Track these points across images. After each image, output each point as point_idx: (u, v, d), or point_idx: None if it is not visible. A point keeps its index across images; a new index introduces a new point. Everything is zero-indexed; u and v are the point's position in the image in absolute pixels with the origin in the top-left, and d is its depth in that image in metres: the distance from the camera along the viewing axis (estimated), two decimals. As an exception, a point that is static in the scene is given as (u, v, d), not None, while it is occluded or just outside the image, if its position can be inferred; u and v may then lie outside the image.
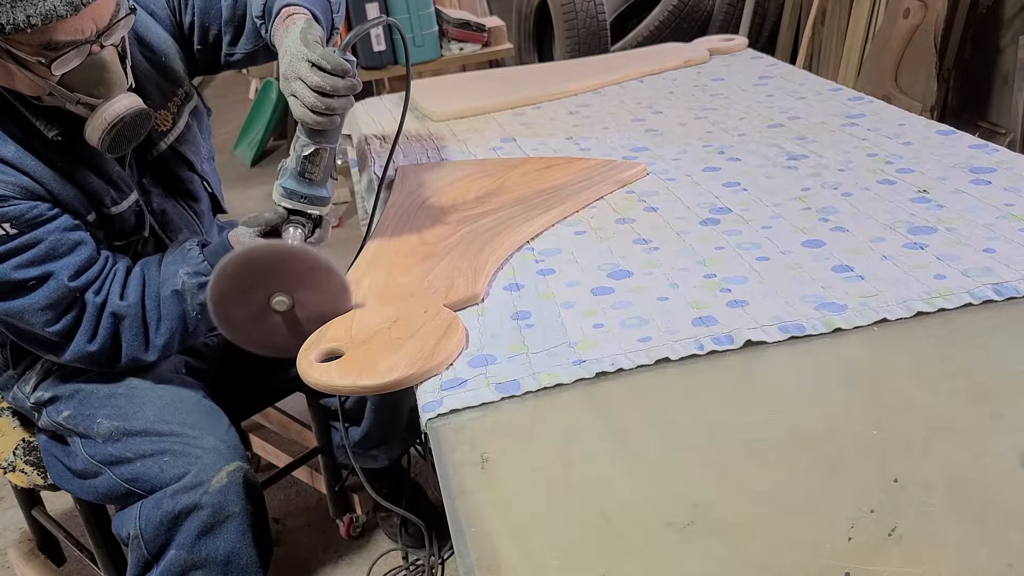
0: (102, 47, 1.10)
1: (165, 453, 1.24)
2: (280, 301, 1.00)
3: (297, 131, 1.12)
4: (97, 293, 1.18)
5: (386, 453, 1.67)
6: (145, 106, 1.15)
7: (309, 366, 0.93)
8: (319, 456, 1.68)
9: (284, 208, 1.13)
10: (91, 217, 1.22)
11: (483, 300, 1.04)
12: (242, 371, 1.50)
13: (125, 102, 1.13)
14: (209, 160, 1.46)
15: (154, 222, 1.32)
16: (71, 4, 1.02)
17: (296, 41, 1.06)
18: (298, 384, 1.52)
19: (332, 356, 0.95)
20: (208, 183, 1.44)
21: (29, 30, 1.01)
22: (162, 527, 1.24)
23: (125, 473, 1.26)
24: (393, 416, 1.60)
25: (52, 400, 1.33)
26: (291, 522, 1.91)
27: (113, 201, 1.24)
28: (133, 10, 1.13)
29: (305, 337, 0.99)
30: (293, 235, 1.12)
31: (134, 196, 1.27)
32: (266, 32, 1.25)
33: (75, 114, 1.14)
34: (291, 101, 1.08)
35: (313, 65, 1.03)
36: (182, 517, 1.23)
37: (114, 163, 1.24)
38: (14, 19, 1.00)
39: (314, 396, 1.59)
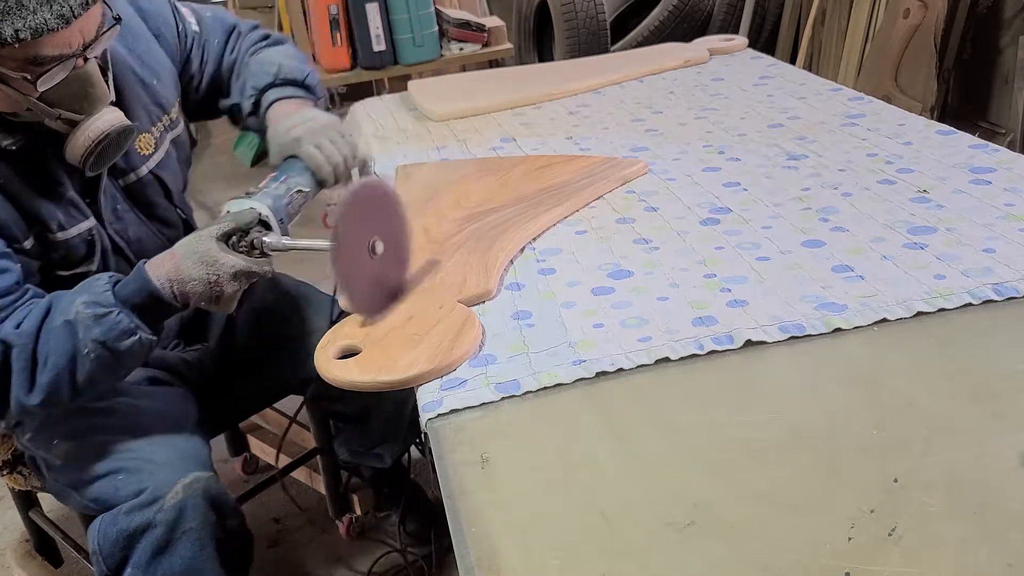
0: (85, 60, 1.05)
1: (119, 472, 1.19)
2: (378, 244, 1.00)
3: (289, 168, 1.18)
4: None
5: (389, 452, 1.66)
6: (129, 122, 1.12)
7: (328, 363, 0.93)
8: (318, 457, 1.68)
9: (259, 216, 1.10)
10: (28, 243, 1.12)
11: (495, 296, 1.04)
12: (231, 377, 1.46)
13: (109, 117, 1.09)
14: (184, 190, 1.39)
15: (130, 252, 1.24)
16: (62, 17, 0.98)
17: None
18: (294, 386, 1.52)
19: (349, 353, 0.95)
20: (183, 211, 1.36)
21: (17, 45, 0.96)
22: (118, 545, 1.18)
23: (87, 494, 1.21)
24: (397, 414, 1.59)
25: (19, 422, 1.26)
26: (291, 522, 1.90)
27: (60, 226, 1.14)
28: (118, 20, 1.09)
29: (365, 300, 1.00)
30: (259, 239, 1.09)
31: (88, 223, 1.18)
32: (255, 120, 1.32)
33: (43, 126, 1.08)
34: (314, 152, 1.17)
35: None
36: (137, 535, 1.17)
37: (69, 185, 1.15)
38: (1, 34, 0.95)
39: (312, 397, 1.59)
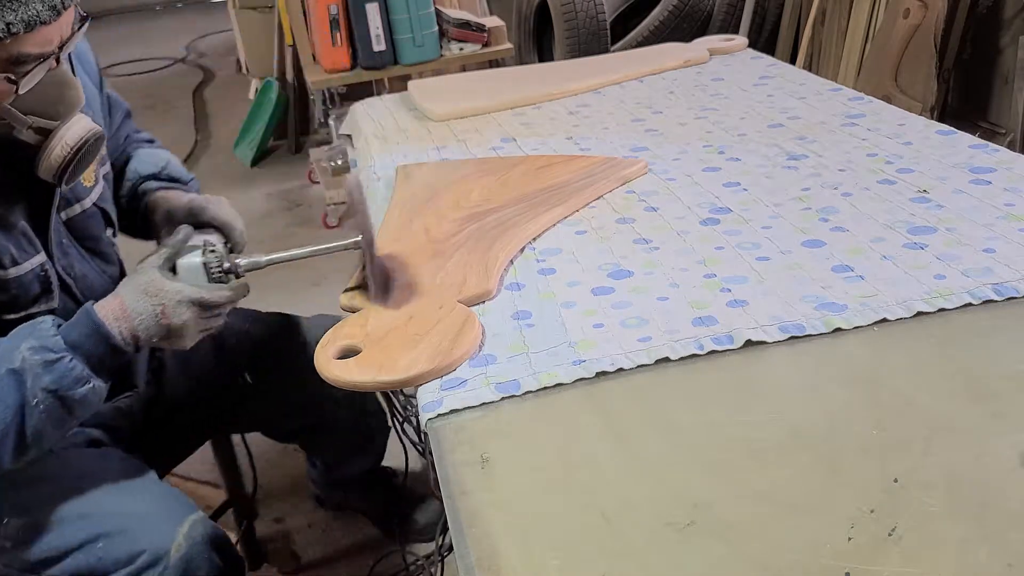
0: (58, 61, 0.98)
1: (98, 539, 1.07)
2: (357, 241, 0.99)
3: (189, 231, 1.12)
4: None
5: (361, 458, 1.65)
6: (102, 128, 1.05)
7: (327, 363, 0.93)
8: (231, 510, 1.65)
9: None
10: None
11: (495, 296, 1.04)
12: (164, 421, 1.38)
13: (83, 123, 1.03)
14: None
15: (76, 289, 1.14)
16: (54, 8, 0.92)
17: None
18: (232, 424, 1.50)
19: (349, 353, 0.95)
20: (117, 249, 1.27)
21: (8, 39, 0.90)
22: None
23: (60, 574, 1.07)
24: (355, 425, 1.58)
25: None
26: (291, 522, 1.91)
27: (13, 260, 1.04)
28: (85, 18, 1.02)
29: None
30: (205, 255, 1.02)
31: (39, 258, 1.07)
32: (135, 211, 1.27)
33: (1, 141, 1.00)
34: (225, 211, 1.18)
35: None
36: None
37: (20, 214, 1.06)
38: (7, 21, 0.89)
39: (221, 441, 1.54)
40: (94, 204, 1.19)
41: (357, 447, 1.65)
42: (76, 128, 1.02)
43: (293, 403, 1.48)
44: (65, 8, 0.95)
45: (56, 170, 1.02)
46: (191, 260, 1.01)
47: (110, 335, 0.98)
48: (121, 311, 0.99)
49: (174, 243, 1.05)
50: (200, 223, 1.20)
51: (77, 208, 1.15)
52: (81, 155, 1.03)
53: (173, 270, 1.01)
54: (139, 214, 1.29)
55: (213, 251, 1.03)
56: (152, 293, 0.98)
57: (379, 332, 0.97)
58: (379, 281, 1.02)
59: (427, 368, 0.90)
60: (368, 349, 0.94)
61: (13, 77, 0.94)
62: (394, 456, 1.70)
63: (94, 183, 1.19)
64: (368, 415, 1.62)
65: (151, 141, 1.41)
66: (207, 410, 1.43)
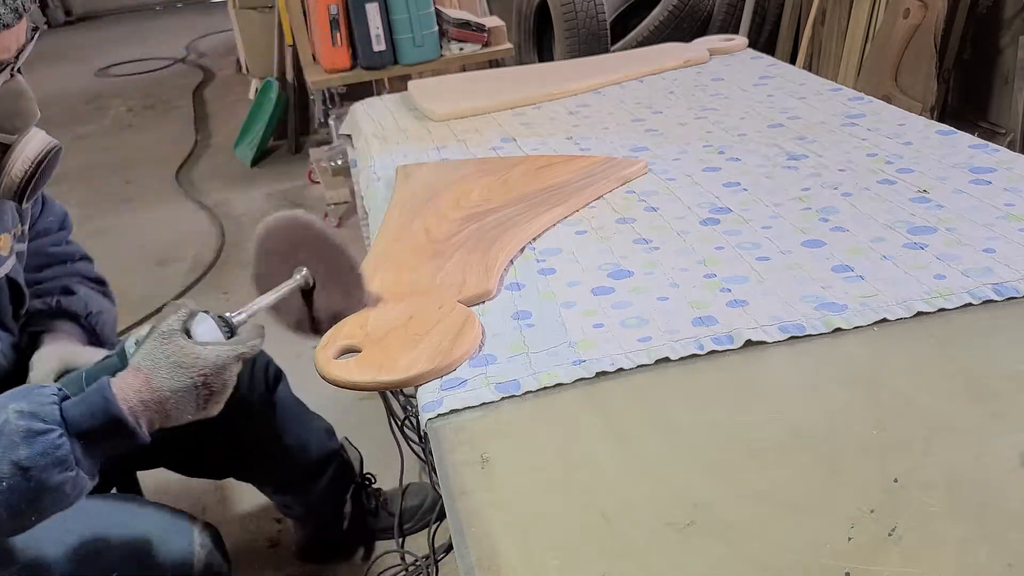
0: (12, 73, 0.94)
1: (109, 571, 1.05)
2: (304, 277, 0.90)
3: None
4: None
5: (302, 498, 1.59)
6: (57, 141, 1.00)
7: (327, 363, 0.93)
8: None
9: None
10: None
11: (495, 296, 1.04)
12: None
13: (40, 136, 0.99)
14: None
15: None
16: (15, 11, 0.88)
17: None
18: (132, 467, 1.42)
19: (348, 353, 0.95)
20: (14, 325, 1.16)
21: None
22: None
23: None
24: (289, 458, 1.52)
25: None
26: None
27: None
28: (36, 28, 0.97)
29: (313, 325, 0.95)
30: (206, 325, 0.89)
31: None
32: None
33: None
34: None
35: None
36: None
37: None
38: None
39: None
40: (6, 276, 1.09)
41: (289, 467, 1.56)
42: (35, 142, 0.98)
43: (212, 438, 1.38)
44: (25, 11, 0.91)
45: (17, 186, 0.97)
46: (205, 321, 0.88)
47: (123, 417, 0.83)
48: (148, 390, 0.84)
49: (178, 314, 0.89)
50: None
51: None
52: (42, 170, 0.98)
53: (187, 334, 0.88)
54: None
55: (209, 312, 0.92)
56: (188, 365, 0.84)
57: (379, 332, 0.97)
58: (345, 289, 0.94)
59: (427, 368, 0.90)
60: (368, 349, 0.94)
61: None
62: (394, 456, 1.70)
63: (8, 254, 1.09)
64: (286, 431, 1.51)
65: (87, 259, 1.29)
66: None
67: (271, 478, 1.58)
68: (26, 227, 1.17)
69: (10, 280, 1.12)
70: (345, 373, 0.91)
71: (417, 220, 1.25)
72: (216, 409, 0.89)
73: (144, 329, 0.90)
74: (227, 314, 0.91)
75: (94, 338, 1.21)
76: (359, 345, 0.95)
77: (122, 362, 0.89)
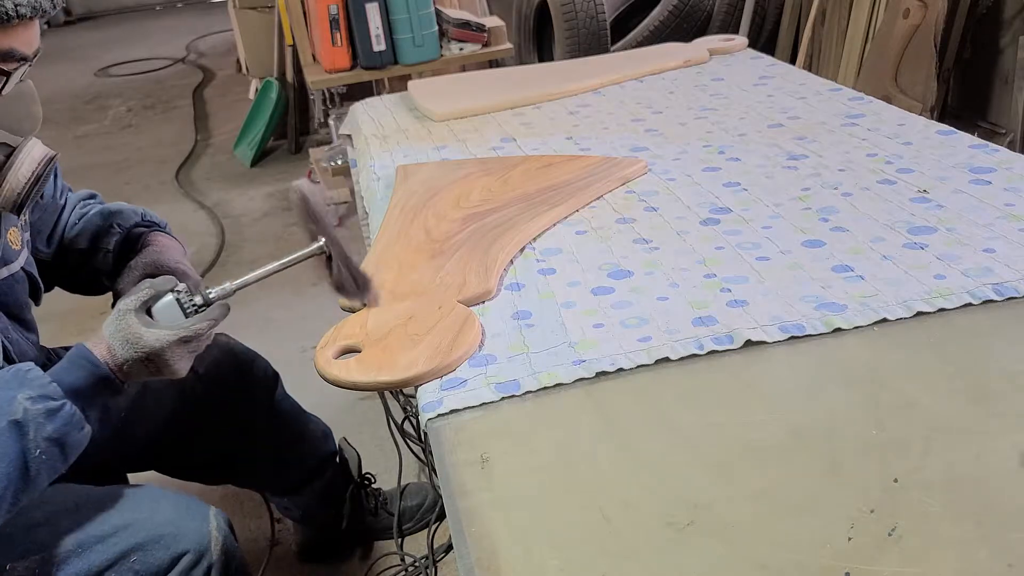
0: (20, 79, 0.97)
1: (130, 553, 1.06)
2: (321, 247, 0.97)
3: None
4: None
5: (300, 499, 1.60)
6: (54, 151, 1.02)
7: (327, 364, 0.93)
8: None
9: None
10: None
11: (495, 296, 1.04)
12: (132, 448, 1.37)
13: (40, 145, 1.01)
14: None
15: (14, 354, 1.09)
16: (32, 6, 0.91)
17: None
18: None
19: (348, 353, 0.95)
20: (35, 320, 1.22)
21: (16, 20, 0.89)
22: None
23: None
24: (285, 461, 1.53)
25: None
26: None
27: None
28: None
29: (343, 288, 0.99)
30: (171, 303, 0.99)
31: (15, 267, 1.06)
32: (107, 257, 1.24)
33: None
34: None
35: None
36: None
37: None
38: (3, 7, 0.87)
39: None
40: (22, 268, 1.14)
41: (286, 470, 1.58)
42: (38, 147, 1.00)
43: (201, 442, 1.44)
44: (57, 7, 0.94)
45: (21, 189, 0.99)
46: (165, 300, 0.99)
47: (108, 375, 0.96)
48: (110, 355, 0.97)
49: (144, 289, 1.00)
50: (164, 269, 1.20)
51: (5, 272, 1.10)
52: (42, 176, 1.00)
53: (148, 313, 0.99)
54: (132, 255, 1.26)
55: (182, 289, 1.01)
56: (133, 343, 0.95)
57: (379, 332, 0.97)
58: (356, 279, 0.99)
59: (426, 368, 0.90)
60: (368, 349, 0.94)
61: (6, 68, 0.93)
62: (393, 456, 1.70)
63: (21, 247, 1.14)
64: (280, 431, 1.54)
65: (93, 195, 1.36)
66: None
67: (269, 481, 1.58)
68: (27, 216, 1.20)
69: (26, 272, 1.15)
70: (345, 373, 0.91)
71: (417, 220, 1.25)
72: (174, 375, 1.00)
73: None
74: (207, 289, 1.00)
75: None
76: (359, 345, 0.95)
77: None
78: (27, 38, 0.94)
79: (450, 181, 1.37)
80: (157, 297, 0.99)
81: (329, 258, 0.99)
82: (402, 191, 1.36)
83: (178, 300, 0.99)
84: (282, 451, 1.51)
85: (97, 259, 1.28)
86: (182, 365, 1.00)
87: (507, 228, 1.18)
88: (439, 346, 0.92)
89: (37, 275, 1.19)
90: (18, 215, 1.03)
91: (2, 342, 1.06)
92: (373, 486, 1.78)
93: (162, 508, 1.13)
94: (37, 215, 1.23)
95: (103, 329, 0.98)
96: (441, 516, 1.63)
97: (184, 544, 1.10)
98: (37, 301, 1.20)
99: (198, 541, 1.11)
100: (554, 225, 1.22)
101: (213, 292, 1.00)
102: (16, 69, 0.95)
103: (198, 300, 1.00)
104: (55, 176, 1.28)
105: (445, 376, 0.90)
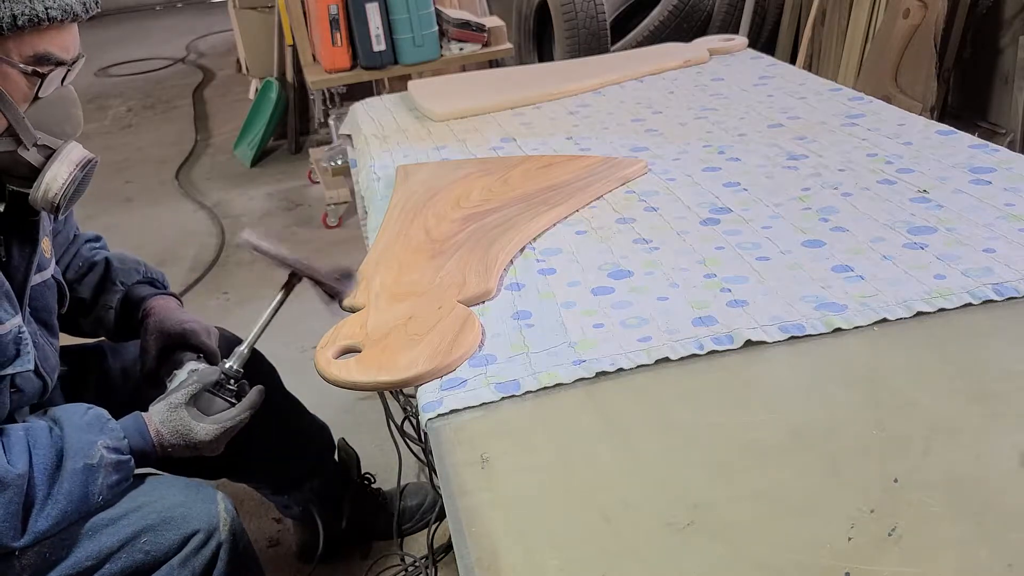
0: (64, 78, 0.99)
1: (140, 536, 1.09)
2: (286, 287, 1.10)
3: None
4: None
5: (298, 497, 1.59)
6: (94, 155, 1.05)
7: (327, 364, 0.93)
8: None
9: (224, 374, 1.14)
10: None
11: (495, 296, 1.04)
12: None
13: (80, 147, 1.02)
14: None
15: (38, 358, 1.10)
16: (84, 5, 0.95)
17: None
18: None
19: (348, 353, 0.95)
20: (57, 325, 1.23)
21: (47, 23, 0.92)
22: None
23: None
24: (284, 457, 1.52)
25: None
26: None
27: None
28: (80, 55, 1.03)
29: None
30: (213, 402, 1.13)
31: (17, 320, 1.04)
32: (109, 315, 1.30)
33: None
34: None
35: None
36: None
37: (2, 273, 1.04)
38: (33, 9, 0.90)
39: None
40: (52, 276, 1.17)
41: (284, 467, 1.57)
42: (77, 149, 1.02)
43: None
44: (78, 15, 0.96)
45: (59, 191, 1.00)
46: (211, 400, 1.13)
47: (151, 453, 1.09)
48: (158, 438, 1.09)
49: (189, 381, 1.13)
50: (188, 346, 1.27)
51: (39, 278, 1.13)
52: (81, 180, 1.02)
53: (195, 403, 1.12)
54: (133, 318, 1.32)
55: (221, 382, 1.14)
56: (184, 434, 1.08)
57: (379, 332, 0.97)
58: (330, 289, 1.06)
59: (426, 368, 0.90)
60: (368, 349, 0.94)
61: (41, 71, 0.94)
62: (394, 456, 1.70)
63: (51, 256, 1.17)
64: (283, 429, 1.55)
65: (98, 238, 1.39)
66: None
67: (267, 478, 1.58)
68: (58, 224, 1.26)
69: (55, 280, 1.19)
70: (345, 373, 0.91)
71: (417, 220, 1.25)
72: (212, 454, 1.13)
73: (181, 374, 1.20)
74: (234, 367, 1.14)
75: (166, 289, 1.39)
76: (359, 345, 0.95)
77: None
78: (62, 42, 0.96)
79: (450, 181, 1.37)
80: (201, 390, 1.12)
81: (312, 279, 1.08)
82: (402, 191, 1.36)
83: (223, 397, 1.14)
84: (282, 443, 1.51)
85: (98, 312, 1.33)
86: (221, 447, 1.13)
87: (507, 228, 1.18)
88: (439, 346, 0.92)
89: (64, 283, 1.23)
90: (56, 217, 1.06)
91: (17, 341, 1.06)
92: (373, 486, 1.78)
93: (171, 491, 1.16)
94: (55, 234, 1.26)
95: (153, 414, 1.09)
96: (441, 516, 1.63)
97: (194, 524, 1.12)
98: (63, 307, 1.23)
99: (207, 521, 1.13)
100: (554, 225, 1.22)
101: (236, 367, 1.14)
102: (51, 72, 0.96)
103: (235, 388, 1.15)
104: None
105: (445, 376, 0.90)
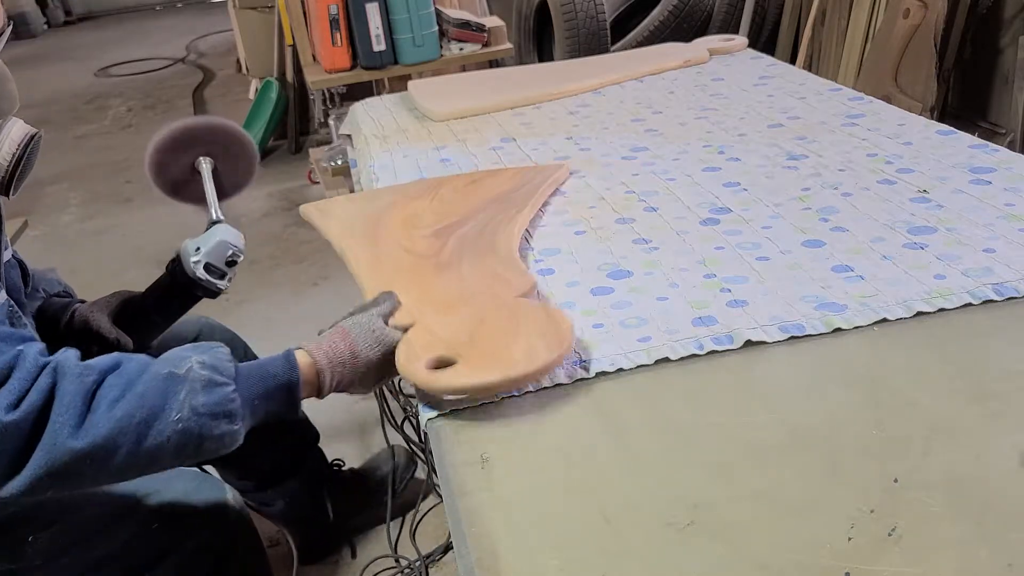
0: None
1: (150, 523, 1.10)
2: (210, 162, 1.23)
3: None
4: (42, 352, 0.86)
5: (282, 493, 1.58)
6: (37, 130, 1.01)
7: (433, 377, 0.86)
8: None
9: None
10: None
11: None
12: None
13: (20, 123, 0.98)
14: None
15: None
16: None
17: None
18: None
19: (440, 366, 0.88)
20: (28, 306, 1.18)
21: None
22: None
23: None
24: (267, 450, 1.50)
25: None
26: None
27: None
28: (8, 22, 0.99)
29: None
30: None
31: (3, 294, 0.97)
32: None
33: None
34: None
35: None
36: None
37: None
38: None
39: None
40: (12, 256, 1.12)
41: (267, 459, 1.56)
42: (18, 126, 0.98)
43: None
44: None
45: (6, 171, 0.97)
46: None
47: (295, 384, 0.91)
48: (350, 353, 0.92)
49: (387, 302, 0.99)
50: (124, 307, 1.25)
51: (6, 255, 1.08)
52: (27, 155, 0.98)
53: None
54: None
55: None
56: (384, 342, 0.93)
57: (460, 338, 0.91)
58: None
59: (550, 357, 0.85)
60: (466, 355, 0.88)
61: None
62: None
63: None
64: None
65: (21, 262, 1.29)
66: None
67: (257, 467, 1.57)
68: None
69: (18, 262, 1.16)
70: (465, 379, 0.84)
71: (386, 246, 1.17)
72: (365, 391, 0.98)
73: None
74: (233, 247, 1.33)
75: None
76: (451, 356, 0.89)
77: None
78: None
79: (379, 211, 1.29)
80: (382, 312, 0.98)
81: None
82: (333, 227, 1.27)
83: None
84: (270, 433, 1.50)
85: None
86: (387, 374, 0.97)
87: (495, 231, 1.16)
88: (544, 334, 0.88)
89: (25, 262, 1.18)
90: (6, 196, 1.00)
91: (31, 322, 1.02)
92: (344, 469, 1.77)
93: (180, 479, 1.16)
94: None
95: (344, 323, 0.94)
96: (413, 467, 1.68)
97: (205, 514, 1.14)
98: (27, 287, 1.18)
99: (219, 510, 1.15)
100: (548, 225, 1.22)
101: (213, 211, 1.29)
102: None
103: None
104: None
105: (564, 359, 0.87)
